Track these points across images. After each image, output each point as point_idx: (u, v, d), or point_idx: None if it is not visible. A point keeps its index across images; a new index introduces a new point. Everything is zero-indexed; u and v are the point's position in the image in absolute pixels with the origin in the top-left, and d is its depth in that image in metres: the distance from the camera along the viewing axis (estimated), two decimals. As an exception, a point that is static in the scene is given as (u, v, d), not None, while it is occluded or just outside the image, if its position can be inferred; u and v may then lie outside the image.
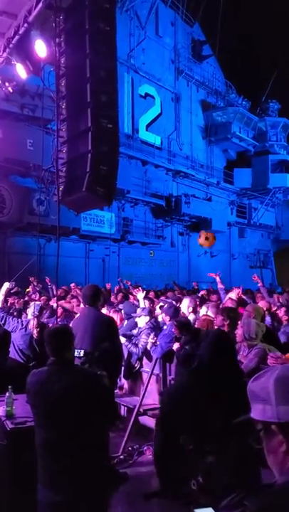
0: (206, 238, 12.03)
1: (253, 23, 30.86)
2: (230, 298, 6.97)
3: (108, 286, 11.93)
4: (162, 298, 9.27)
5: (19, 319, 6.20)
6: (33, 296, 8.96)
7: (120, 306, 8.48)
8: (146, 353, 5.88)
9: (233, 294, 7.20)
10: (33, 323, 6.02)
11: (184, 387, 2.44)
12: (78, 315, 5.19)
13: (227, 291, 7.96)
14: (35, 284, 9.47)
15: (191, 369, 2.59)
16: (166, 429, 2.29)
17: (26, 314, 6.67)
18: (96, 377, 2.92)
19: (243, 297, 7.87)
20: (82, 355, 3.89)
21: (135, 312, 6.77)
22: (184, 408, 2.33)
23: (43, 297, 8.79)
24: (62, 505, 2.55)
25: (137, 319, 6.40)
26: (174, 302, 7.48)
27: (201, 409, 2.30)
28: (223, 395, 2.27)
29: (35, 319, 6.13)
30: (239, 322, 4.65)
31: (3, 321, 6.03)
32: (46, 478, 2.60)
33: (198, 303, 6.87)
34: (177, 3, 24.60)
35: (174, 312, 5.77)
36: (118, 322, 6.50)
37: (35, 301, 7.01)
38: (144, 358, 6.02)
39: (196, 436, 2.21)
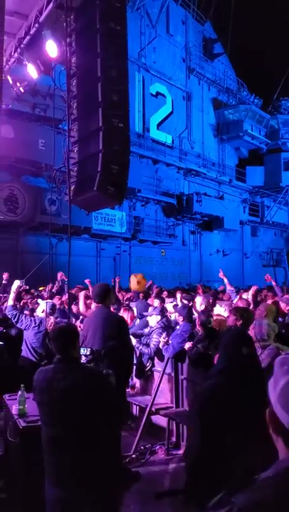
0: (138, 282, 11.87)
1: (265, 21, 30.64)
2: (241, 298, 6.91)
3: (118, 279, 10.96)
4: (169, 299, 8.95)
5: (31, 317, 6.15)
6: (45, 295, 8.94)
7: (131, 304, 8.45)
8: (157, 352, 5.86)
9: (248, 295, 7.13)
10: (47, 321, 6.03)
11: (219, 386, 2.43)
12: (90, 314, 5.20)
13: (244, 290, 7.87)
14: (62, 279, 9.41)
15: (219, 369, 2.58)
16: (205, 429, 2.26)
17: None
18: (101, 375, 2.91)
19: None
20: (88, 353, 3.90)
21: (147, 311, 6.76)
22: (223, 407, 2.32)
23: (56, 297, 8.76)
24: (68, 503, 2.56)
25: (148, 318, 6.39)
26: (186, 302, 7.44)
27: (238, 408, 2.31)
28: (253, 392, 2.28)
29: (51, 318, 6.14)
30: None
31: (15, 319, 6.00)
32: (53, 475, 2.61)
33: (210, 301, 6.82)
34: (188, 2, 24.51)
35: (188, 313, 5.74)
36: (129, 321, 6.49)
37: (46, 299, 6.96)
38: (156, 357, 6.01)
39: (239, 434, 2.20)
